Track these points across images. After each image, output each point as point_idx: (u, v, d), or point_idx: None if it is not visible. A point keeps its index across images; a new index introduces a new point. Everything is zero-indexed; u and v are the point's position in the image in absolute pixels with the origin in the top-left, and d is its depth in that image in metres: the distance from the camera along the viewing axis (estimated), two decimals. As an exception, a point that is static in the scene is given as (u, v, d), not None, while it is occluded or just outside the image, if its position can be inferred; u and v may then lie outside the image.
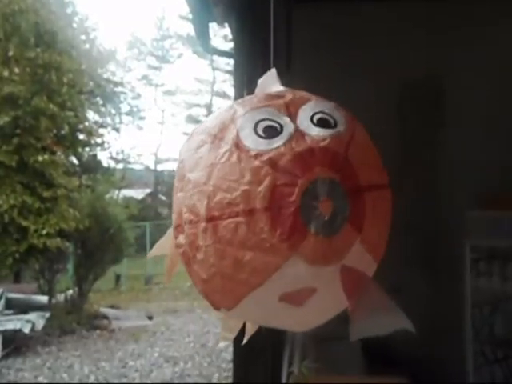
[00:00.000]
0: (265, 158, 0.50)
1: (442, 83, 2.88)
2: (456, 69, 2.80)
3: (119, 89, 15.39)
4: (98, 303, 8.43)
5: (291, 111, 0.55)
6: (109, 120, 14.82)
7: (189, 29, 18.20)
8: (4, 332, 5.84)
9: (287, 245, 0.48)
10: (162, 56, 20.17)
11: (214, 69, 19.66)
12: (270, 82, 0.66)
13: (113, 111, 15.38)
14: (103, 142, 10.46)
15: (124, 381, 5.18)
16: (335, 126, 0.55)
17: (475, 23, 2.74)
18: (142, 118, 18.85)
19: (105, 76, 12.35)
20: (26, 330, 5.99)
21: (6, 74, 7.36)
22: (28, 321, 6.12)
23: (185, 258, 0.56)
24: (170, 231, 0.71)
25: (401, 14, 2.81)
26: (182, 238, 0.56)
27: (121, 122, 16.63)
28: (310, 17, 2.81)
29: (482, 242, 2.49)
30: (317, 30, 2.83)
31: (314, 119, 0.54)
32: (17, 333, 5.96)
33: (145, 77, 19.75)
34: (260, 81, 0.69)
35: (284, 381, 2.05)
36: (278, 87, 0.65)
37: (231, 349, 1.81)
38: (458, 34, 2.78)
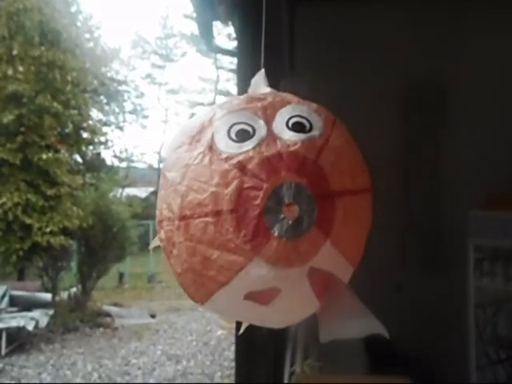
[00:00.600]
0: (234, 161, 0.52)
1: (444, 84, 2.88)
2: (458, 70, 2.79)
3: (123, 87, 15.45)
4: (102, 301, 8.45)
5: (268, 114, 0.56)
6: (112, 118, 14.88)
7: (193, 27, 18.21)
8: (8, 329, 5.87)
9: (250, 246, 0.50)
10: (166, 55, 20.17)
11: (217, 67, 19.66)
12: (259, 83, 0.67)
13: (116, 110, 15.44)
14: (107, 141, 10.50)
15: (127, 378, 5.20)
16: (310, 130, 0.55)
17: (476, 25, 2.74)
18: (145, 117, 18.88)
19: (109, 74, 12.39)
20: (30, 328, 6.02)
21: (10, 72, 7.39)
22: (32, 318, 6.15)
23: (165, 252, 0.58)
24: None
25: (404, 16, 2.81)
26: (162, 234, 0.58)
27: (124, 121, 16.69)
28: (313, 17, 2.81)
29: (485, 242, 2.48)
30: (320, 30, 2.83)
31: (289, 123, 0.55)
32: (20, 330, 5.99)
33: (148, 75, 19.76)
34: (252, 81, 0.70)
35: (286, 380, 2.05)
36: (264, 89, 0.65)
37: (233, 347, 1.82)
38: (459, 36, 2.77)
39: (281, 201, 0.49)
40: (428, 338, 2.67)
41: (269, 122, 0.55)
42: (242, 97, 0.62)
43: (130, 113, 17.38)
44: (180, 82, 25.34)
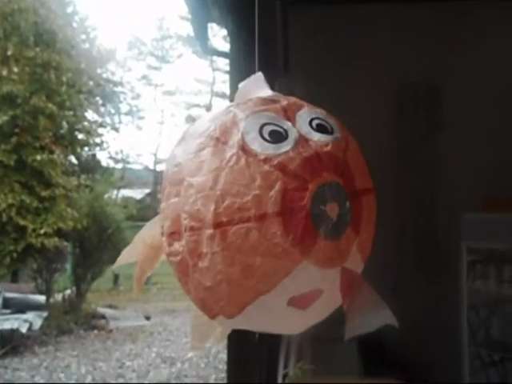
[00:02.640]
0: (274, 162, 0.50)
1: (439, 86, 2.89)
2: (453, 71, 2.81)
3: (119, 88, 15.40)
4: (96, 303, 8.42)
5: (289, 116, 0.56)
6: (108, 120, 14.82)
7: (189, 29, 18.20)
8: (1, 331, 5.84)
9: (299, 249, 0.48)
10: (162, 56, 20.15)
11: (213, 69, 19.66)
12: (257, 86, 0.66)
13: (112, 111, 15.38)
14: (102, 142, 10.44)
15: (121, 381, 5.17)
16: (332, 131, 0.55)
17: (474, 26, 2.75)
18: (141, 118, 18.84)
19: (104, 76, 12.34)
20: (24, 330, 5.98)
21: (4, 73, 7.36)
22: (25, 320, 6.12)
23: (181, 266, 0.54)
24: (137, 238, 0.70)
25: (399, 18, 2.82)
26: (178, 246, 0.54)
27: (120, 122, 16.61)
28: (307, 19, 2.82)
29: (478, 245, 2.49)
30: (314, 32, 2.84)
31: (313, 124, 0.55)
32: (14, 332, 5.95)
33: (144, 77, 19.72)
34: (242, 84, 0.68)
35: (280, 381, 2.05)
36: (267, 91, 0.64)
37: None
38: (456, 37, 2.78)
39: (324, 201, 0.48)
40: (421, 340, 2.68)
41: (292, 124, 0.54)
42: (254, 98, 0.60)
43: (126, 114, 17.32)
44: (176, 84, 25.30)
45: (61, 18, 8.53)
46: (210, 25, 2.61)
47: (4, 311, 6.36)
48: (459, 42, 2.78)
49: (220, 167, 0.51)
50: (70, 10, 10.07)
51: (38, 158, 7.48)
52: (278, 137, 0.52)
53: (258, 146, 0.51)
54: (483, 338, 2.47)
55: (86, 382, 5.14)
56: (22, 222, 7.28)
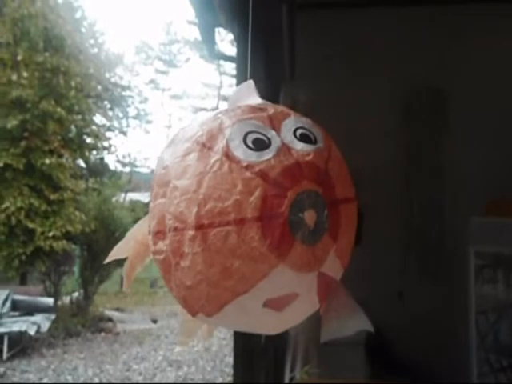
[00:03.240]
0: (256, 169, 0.52)
1: (445, 89, 2.88)
2: (459, 75, 2.80)
3: (127, 93, 15.49)
4: (104, 306, 8.45)
5: (275, 125, 0.57)
6: (116, 123, 14.92)
7: (196, 33, 18.32)
8: (10, 333, 5.88)
9: (276, 253, 0.50)
10: (170, 60, 20.28)
11: (220, 73, 19.74)
12: (248, 94, 0.67)
13: (120, 115, 15.48)
14: (110, 146, 10.48)
15: (128, 384, 5.19)
16: (315, 141, 0.57)
17: (481, 31, 2.74)
18: (149, 122, 18.93)
19: (112, 80, 12.45)
20: (32, 332, 6.02)
21: (14, 77, 7.45)
22: (34, 323, 6.15)
23: (165, 264, 0.56)
24: (129, 235, 0.72)
25: (406, 22, 2.82)
26: (162, 245, 0.56)
27: (128, 126, 16.72)
28: (314, 23, 2.82)
29: (486, 249, 2.47)
30: (321, 36, 2.84)
31: (297, 134, 0.57)
32: (22, 334, 5.99)
33: (152, 81, 19.86)
34: (235, 91, 0.70)
35: (286, 386, 2.04)
36: (256, 99, 0.66)
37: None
38: (461, 40, 2.78)
39: (302, 208, 0.50)
40: (429, 345, 2.66)
41: (277, 132, 0.56)
42: (243, 106, 0.62)
43: (134, 118, 17.43)
44: (183, 88, 25.45)
45: (70, 24, 8.63)
46: (217, 29, 2.62)
47: (13, 313, 6.40)
48: (466, 46, 2.78)
49: (204, 172, 0.53)
50: (78, 15, 10.20)
51: (47, 161, 7.55)
52: (261, 145, 0.54)
53: (241, 153, 0.53)
54: (492, 342, 2.44)
55: (93, 384, 5.16)
56: (30, 225, 7.34)
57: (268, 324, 0.60)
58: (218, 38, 2.80)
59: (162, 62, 20.21)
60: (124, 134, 15.96)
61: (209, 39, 2.70)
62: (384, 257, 2.85)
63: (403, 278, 2.86)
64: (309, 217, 0.50)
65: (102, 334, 7.12)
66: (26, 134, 7.54)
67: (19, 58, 7.59)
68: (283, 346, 2.09)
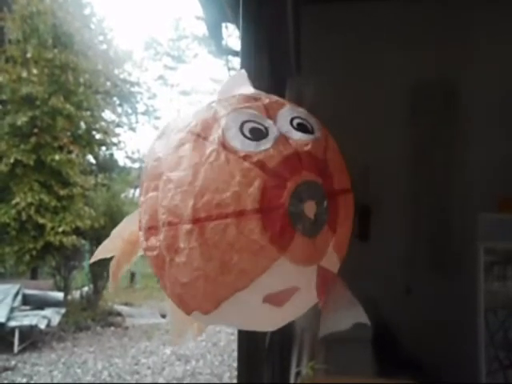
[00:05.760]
0: (254, 159, 0.49)
1: (455, 84, 2.84)
2: (469, 69, 2.76)
3: (135, 89, 15.55)
4: (113, 300, 8.52)
5: (271, 114, 0.55)
6: (125, 120, 15.00)
7: (204, 29, 18.25)
8: (21, 327, 5.96)
9: (277, 246, 0.48)
10: (178, 56, 20.27)
11: (229, 69, 19.68)
12: (240, 83, 0.66)
13: (129, 111, 15.56)
14: (119, 142, 10.54)
15: (136, 377, 5.23)
16: (313, 131, 0.55)
17: (487, 25, 2.70)
18: (157, 118, 18.97)
19: (121, 76, 12.49)
20: (42, 326, 6.09)
21: (24, 74, 7.51)
22: (44, 317, 6.23)
23: (158, 261, 0.54)
24: (115, 233, 0.70)
25: (413, 15, 2.78)
26: (155, 241, 0.53)
27: (137, 122, 16.78)
28: (320, 17, 2.80)
29: (496, 245, 2.44)
30: (327, 30, 2.81)
31: (294, 123, 0.55)
32: (33, 328, 6.07)
33: (161, 77, 19.87)
34: (226, 81, 0.68)
35: (292, 381, 2.04)
36: (249, 89, 0.64)
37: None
38: (469, 36, 2.73)
39: (302, 199, 0.48)
40: (437, 341, 2.64)
41: (273, 122, 0.54)
42: (237, 96, 0.60)
43: (143, 114, 17.48)
44: (192, 84, 25.44)
45: (78, 20, 8.66)
46: (224, 25, 2.62)
47: (23, 307, 6.49)
48: (475, 39, 2.73)
49: (200, 163, 0.50)
50: (87, 11, 10.23)
51: (57, 157, 7.61)
52: (258, 134, 0.52)
53: (238, 142, 0.51)
54: (501, 340, 2.42)
55: (102, 377, 5.21)
56: (41, 221, 7.43)
57: (266, 320, 0.58)
58: (225, 33, 2.79)
59: (171, 57, 20.21)
60: (133, 130, 16.04)
61: (216, 35, 2.69)
62: (393, 252, 2.84)
63: (412, 274, 2.84)
64: (309, 208, 0.49)
65: (112, 328, 7.19)
66: (35, 131, 7.61)
67: (29, 54, 7.64)
68: (289, 342, 2.09)
